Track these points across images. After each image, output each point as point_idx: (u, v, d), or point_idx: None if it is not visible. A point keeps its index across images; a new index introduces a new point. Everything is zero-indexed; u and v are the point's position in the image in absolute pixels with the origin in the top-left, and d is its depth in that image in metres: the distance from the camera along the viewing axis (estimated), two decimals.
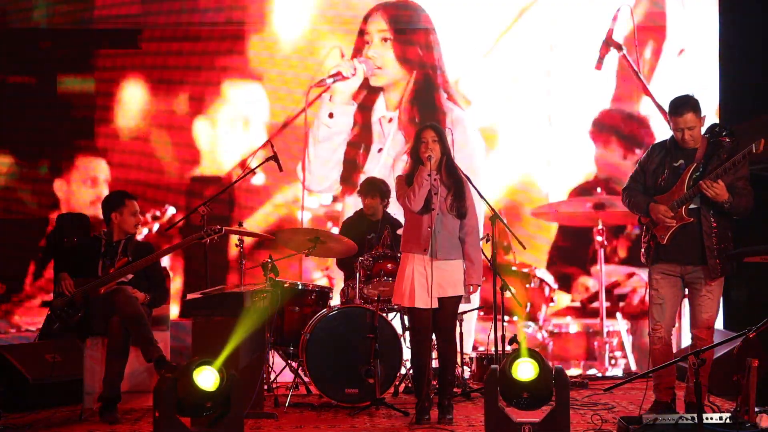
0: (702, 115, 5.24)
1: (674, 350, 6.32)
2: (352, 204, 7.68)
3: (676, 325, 7.34)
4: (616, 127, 7.95)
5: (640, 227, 5.53)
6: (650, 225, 5.35)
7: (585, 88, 7.93)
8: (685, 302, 5.52)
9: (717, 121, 7.63)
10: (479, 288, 5.64)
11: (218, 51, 7.90)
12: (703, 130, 5.29)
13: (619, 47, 7.89)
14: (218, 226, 6.03)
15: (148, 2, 7.90)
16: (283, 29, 7.91)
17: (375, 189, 6.82)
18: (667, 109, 5.39)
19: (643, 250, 5.44)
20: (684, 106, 5.21)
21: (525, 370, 4.65)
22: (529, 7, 7.95)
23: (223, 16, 7.93)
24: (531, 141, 7.91)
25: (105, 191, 7.61)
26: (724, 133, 5.24)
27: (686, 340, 6.92)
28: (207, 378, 4.49)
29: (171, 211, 7.74)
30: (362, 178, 7.70)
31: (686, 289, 5.37)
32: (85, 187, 7.85)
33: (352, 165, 7.88)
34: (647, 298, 5.50)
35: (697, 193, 5.14)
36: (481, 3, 7.95)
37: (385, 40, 7.89)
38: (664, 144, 5.43)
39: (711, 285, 5.23)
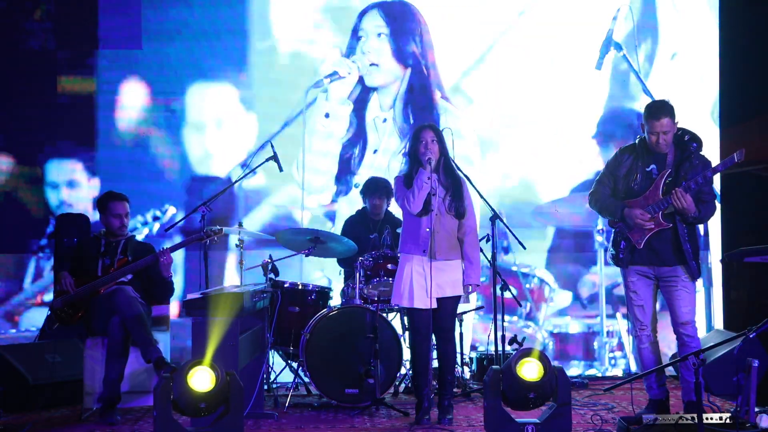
0: (675, 122, 5.26)
1: (672, 351, 6.34)
2: (347, 204, 7.68)
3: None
4: (617, 128, 7.95)
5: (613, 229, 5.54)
6: (624, 230, 5.36)
7: (585, 89, 7.93)
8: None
9: (716, 123, 7.65)
10: (478, 288, 5.65)
11: (218, 50, 7.89)
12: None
13: (619, 47, 7.90)
14: (218, 227, 6.04)
15: (148, 1, 7.90)
16: (282, 30, 7.91)
17: (381, 189, 6.83)
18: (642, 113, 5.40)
19: (613, 252, 5.47)
20: (661, 111, 5.25)
21: (530, 369, 4.66)
22: (528, 7, 7.95)
23: (222, 16, 7.92)
24: (531, 141, 7.90)
25: (104, 191, 7.61)
26: (687, 138, 5.28)
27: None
28: (201, 379, 4.49)
29: (171, 211, 7.74)
30: (357, 178, 7.70)
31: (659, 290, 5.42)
32: (85, 187, 7.85)
33: (347, 165, 7.88)
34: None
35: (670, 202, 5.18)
36: (480, 3, 7.94)
37: (381, 35, 7.90)
38: (633, 148, 5.45)
39: (686, 281, 5.30)
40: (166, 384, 4.54)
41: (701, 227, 5.58)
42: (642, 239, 5.28)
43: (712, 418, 4.57)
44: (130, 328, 5.64)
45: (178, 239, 7.06)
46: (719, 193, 7.25)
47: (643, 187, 5.30)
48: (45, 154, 7.87)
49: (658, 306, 5.50)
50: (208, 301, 5.13)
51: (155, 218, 7.74)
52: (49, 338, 6.39)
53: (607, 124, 7.97)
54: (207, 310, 5.07)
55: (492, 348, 6.53)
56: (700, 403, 4.42)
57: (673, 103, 5.33)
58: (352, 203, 7.57)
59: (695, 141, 5.28)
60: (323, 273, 7.67)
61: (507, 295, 6.42)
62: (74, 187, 7.87)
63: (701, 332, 6.39)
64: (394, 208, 6.75)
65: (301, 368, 6.32)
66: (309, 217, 7.82)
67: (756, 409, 4.55)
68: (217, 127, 7.89)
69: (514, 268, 7.74)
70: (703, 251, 7.17)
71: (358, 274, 6.30)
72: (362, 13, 7.93)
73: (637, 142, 5.44)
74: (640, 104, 7.94)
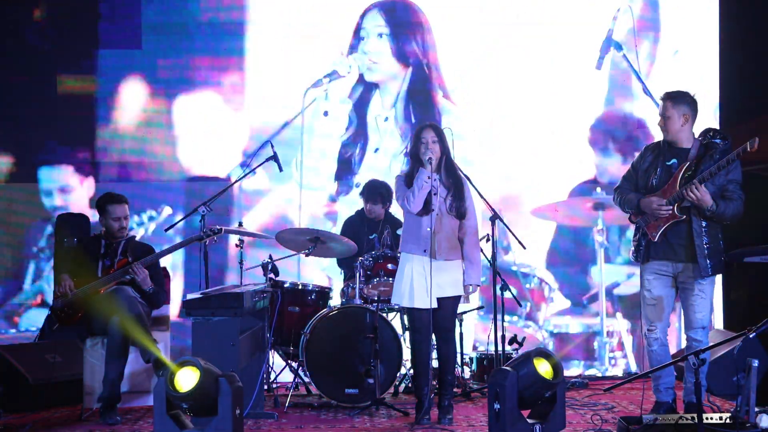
0: (684, 113, 5.24)
1: (673, 351, 6.33)
2: (347, 204, 7.68)
3: (675, 325, 7.35)
4: (616, 129, 7.95)
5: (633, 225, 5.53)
6: (641, 223, 5.36)
7: (585, 89, 7.93)
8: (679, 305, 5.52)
9: (716, 123, 7.65)
10: (479, 288, 5.64)
11: (218, 50, 7.90)
12: (697, 133, 5.31)
13: (619, 47, 7.90)
14: (217, 226, 6.04)
15: (148, 1, 7.90)
16: (282, 29, 7.91)
17: (377, 194, 6.83)
18: None
19: (633, 248, 5.46)
20: (666, 94, 5.32)
21: (546, 369, 4.64)
22: (529, 7, 7.95)
23: (222, 16, 7.93)
24: (531, 141, 7.90)
25: (103, 191, 7.60)
26: (717, 136, 5.26)
27: (684, 342, 6.92)
28: (184, 379, 4.47)
29: (167, 211, 7.74)
30: (358, 177, 7.71)
31: (678, 290, 5.37)
32: (85, 187, 7.86)
33: (347, 164, 7.88)
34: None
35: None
36: (481, 3, 7.94)
37: (381, 35, 7.91)
38: (657, 145, 5.46)
39: (703, 284, 5.23)
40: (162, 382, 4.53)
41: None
42: (657, 232, 5.25)
43: (712, 418, 4.57)
44: (130, 327, 5.63)
45: (178, 240, 7.06)
46: None
47: (662, 182, 5.28)
48: (44, 154, 7.87)
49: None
50: (208, 302, 5.13)
51: (151, 218, 7.74)
52: (49, 338, 6.38)
53: (607, 124, 7.97)
54: (207, 310, 5.07)
55: (492, 348, 6.52)
56: (700, 403, 4.42)
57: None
58: (353, 203, 7.57)
59: (723, 139, 5.25)
60: (324, 273, 7.67)
61: (507, 295, 6.41)
62: (73, 187, 7.87)
63: None
64: (395, 209, 6.74)
65: (301, 368, 6.31)
66: (309, 218, 7.82)
67: (756, 409, 4.54)
68: (216, 127, 7.88)
69: (514, 268, 7.74)
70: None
71: (358, 274, 6.30)
72: (364, 13, 7.94)
73: (662, 139, 5.43)
74: (639, 104, 7.95)
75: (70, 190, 7.85)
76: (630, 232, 7.74)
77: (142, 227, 7.71)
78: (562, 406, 4.69)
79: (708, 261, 5.17)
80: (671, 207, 5.19)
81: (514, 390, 4.61)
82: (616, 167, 7.81)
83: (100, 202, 6.12)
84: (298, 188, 7.81)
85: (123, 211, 6.03)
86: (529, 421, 4.67)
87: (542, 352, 4.71)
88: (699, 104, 5.36)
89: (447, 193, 5.53)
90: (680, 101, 5.28)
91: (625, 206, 5.44)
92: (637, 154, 5.62)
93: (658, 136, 7.57)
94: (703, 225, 5.20)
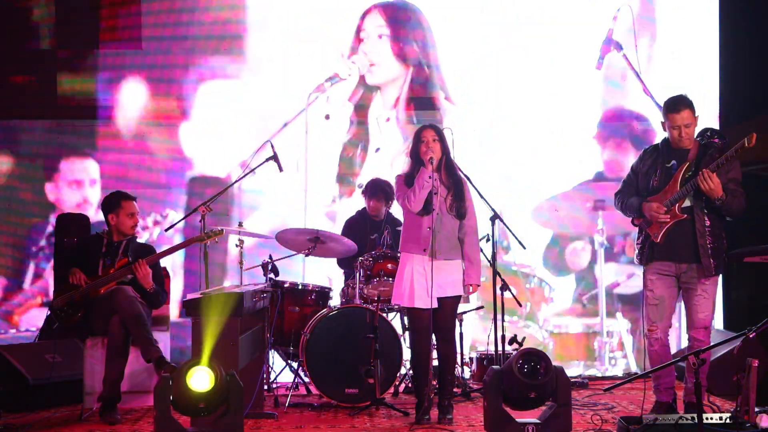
0: (696, 115, 5.25)
1: (673, 351, 6.33)
2: (349, 204, 7.68)
3: (675, 325, 7.35)
4: (616, 128, 7.96)
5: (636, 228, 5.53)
6: (644, 225, 5.36)
7: (585, 89, 7.94)
8: (681, 304, 5.51)
9: (716, 123, 7.65)
10: (478, 288, 5.64)
11: (218, 51, 7.90)
12: (695, 132, 5.31)
13: (619, 47, 7.91)
14: (219, 227, 6.04)
15: (148, 1, 7.90)
16: (283, 29, 7.92)
17: (380, 191, 6.83)
18: (662, 109, 5.39)
19: (637, 250, 5.45)
20: (681, 104, 5.24)
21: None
22: (529, 7, 7.95)
23: (223, 16, 7.93)
24: (531, 141, 7.91)
25: (104, 191, 7.61)
26: (715, 136, 5.26)
27: (684, 342, 6.92)
28: (200, 379, 4.48)
29: (172, 215, 7.74)
30: (360, 178, 7.71)
31: (681, 290, 5.36)
32: (85, 187, 7.86)
33: (349, 165, 7.88)
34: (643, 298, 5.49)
35: (690, 191, 5.15)
36: (481, 4, 7.94)
37: (381, 36, 7.92)
38: (656, 147, 5.45)
39: (706, 284, 5.22)
40: (166, 384, 4.54)
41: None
42: (659, 232, 5.25)
43: (712, 418, 4.57)
44: (130, 327, 5.64)
45: (178, 240, 7.06)
46: None
47: (663, 183, 5.27)
48: (45, 155, 7.87)
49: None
50: (207, 302, 5.12)
51: (156, 223, 7.74)
52: (49, 338, 6.38)
53: (606, 124, 7.98)
54: (206, 310, 5.07)
55: (492, 348, 6.52)
56: (700, 403, 4.42)
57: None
58: (353, 203, 7.57)
59: (719, 137, 5.25)
60: (325, 273, 7.68)
61: (507, 295, 6.41)
62: (74, 188, 7.87)
63: None
64: (395, 209, 6.75)
65: (301, 368, 6.31)
66: (310, 218, 7.81)
67: (756, 409, 4.55)
68: (216, 127, 7.88)
69: (514, 268, 7.74)
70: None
71: (358, 274, 6.30)
72: (364, 14, 7.94)
73: (660, 142, 5.43)
74: (639, 104, 7.95)
75: (77, 186, 7.86)
76: (632, 234, 7.81)
77: (146, 231, 7.70)
78: (567, 407, 4.67)
79: (712, 260, 5.17)
80: (668, 215, 5.20)
81: (497, 388, 4.63)
82: (618, 167, 7.81)
83: (113, 199, 6.08)
84: (301, 189, 7.80)
85: (135, 207, 6.06)
86: (524, 420, 4.68)
87: (531, 352, 4.72)
88: (698, 104, 5.36)
89: (447, 193, 5.53)
90: (694, 107, 5.26)
91: (627, 210, 5.44)
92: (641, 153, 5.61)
93: (660, 135, 7.60)
94: (707, 225, 5.19)
